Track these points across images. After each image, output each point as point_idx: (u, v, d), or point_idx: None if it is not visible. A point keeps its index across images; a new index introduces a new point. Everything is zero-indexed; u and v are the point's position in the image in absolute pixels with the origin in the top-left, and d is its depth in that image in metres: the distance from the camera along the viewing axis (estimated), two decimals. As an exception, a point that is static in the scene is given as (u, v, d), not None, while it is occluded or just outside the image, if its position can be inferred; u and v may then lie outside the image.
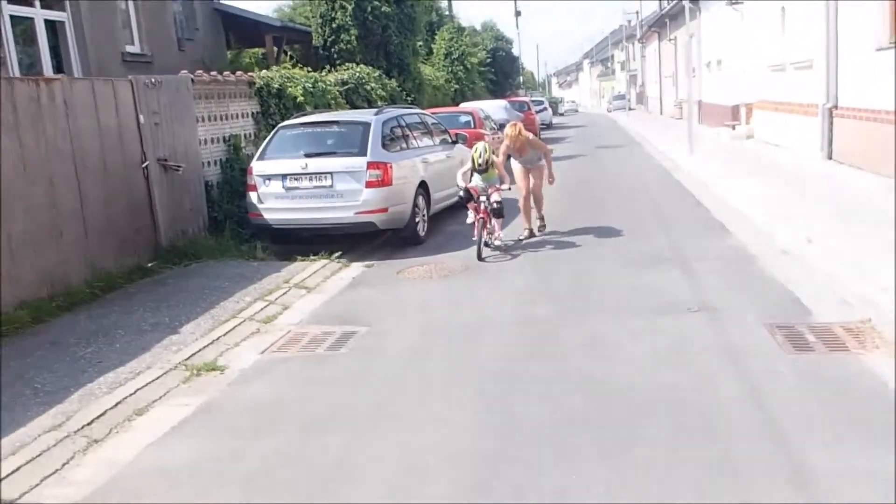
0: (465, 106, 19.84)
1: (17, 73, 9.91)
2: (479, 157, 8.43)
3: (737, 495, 3.23)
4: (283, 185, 8.82)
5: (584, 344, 5.27)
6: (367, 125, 9.07)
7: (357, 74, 15.61)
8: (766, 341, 5.00)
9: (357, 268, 8.25)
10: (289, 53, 17.71)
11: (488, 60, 35.31)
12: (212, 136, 9.92)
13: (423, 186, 9.50)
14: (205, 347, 5.64)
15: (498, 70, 37.84)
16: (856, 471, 3.33)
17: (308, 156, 8.88)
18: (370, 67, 16.68)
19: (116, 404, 4.61)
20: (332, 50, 17.49)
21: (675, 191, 12.37)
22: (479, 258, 8.13)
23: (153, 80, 8.67)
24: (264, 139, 10.11)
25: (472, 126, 15.78)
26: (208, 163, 9.77)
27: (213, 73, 10.49)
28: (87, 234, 7.41)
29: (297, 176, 8.78)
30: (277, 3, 29.01)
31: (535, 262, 7.97)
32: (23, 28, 10.52)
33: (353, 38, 17.34)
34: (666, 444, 3.72)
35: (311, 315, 6.57)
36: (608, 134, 29.59)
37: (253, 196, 8.98)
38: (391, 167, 8.76)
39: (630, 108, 48.45)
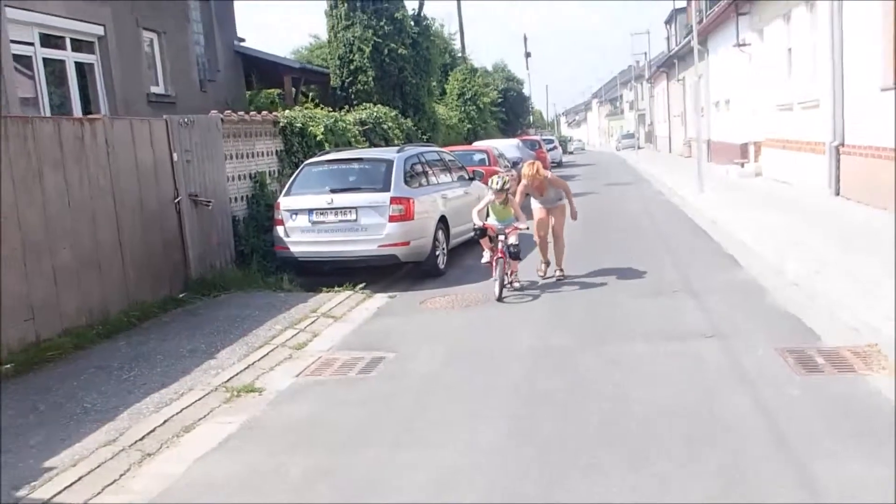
0: (479, 144, 20.28)
1: (48, 113, 10.37)
2: (496, 183, 8.24)
3: (749, 499, 3.50)
4: (310, 220, 9.19)
5: (603, 368, 5.53)
6: (390, 162, 9.46)
7: (375, 114, 16.10)
8: (777, 364, 5.27)
9: (381, 298, 8.56)
10: (308, 94, 18.22)
11: (499, 100, 35.97)
12: (238, 173, 10.32)
13: (442, 221, 9.84)
14: (242, 371, 5.94)
15: (509, 109, 38.58)
16: (858, 476, 3.62)
17: (333, 191, 9.26)
18: (387, 107, 17.17)
19: (164, 422, 4.90)
20: (350, 90, 18.03)
21: (687, 227, 12.65)
22: (499, 299, 7.96)
23: (186, 119, 9.08)
24: (288, 176, 10.52)
25: (487, 164, 16.15)
26: (235, 199, 10.15)
27: (241, 112, 10.91)
28: (124, 267, 7.76)
29: (322, 210, 9.15)
30: (295, 45, 29.79)
31: (552, 294, 8.24)
32: (53, 69, 11.00)
33: (370, 79, 17.89)
34: (684, 457, 3.97)
35: (340, 342, 6.87)
36: (617, 171, 30.06)
37: (280, 230, 9.34)
38: (413, 202, 9.12)
39: (639, 147, 48.67)
